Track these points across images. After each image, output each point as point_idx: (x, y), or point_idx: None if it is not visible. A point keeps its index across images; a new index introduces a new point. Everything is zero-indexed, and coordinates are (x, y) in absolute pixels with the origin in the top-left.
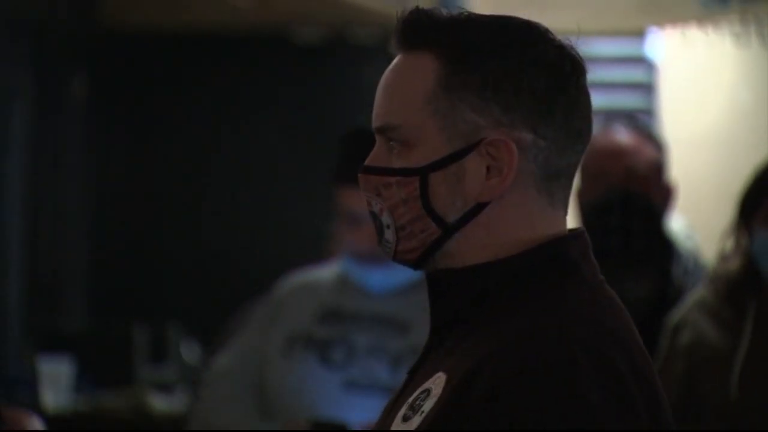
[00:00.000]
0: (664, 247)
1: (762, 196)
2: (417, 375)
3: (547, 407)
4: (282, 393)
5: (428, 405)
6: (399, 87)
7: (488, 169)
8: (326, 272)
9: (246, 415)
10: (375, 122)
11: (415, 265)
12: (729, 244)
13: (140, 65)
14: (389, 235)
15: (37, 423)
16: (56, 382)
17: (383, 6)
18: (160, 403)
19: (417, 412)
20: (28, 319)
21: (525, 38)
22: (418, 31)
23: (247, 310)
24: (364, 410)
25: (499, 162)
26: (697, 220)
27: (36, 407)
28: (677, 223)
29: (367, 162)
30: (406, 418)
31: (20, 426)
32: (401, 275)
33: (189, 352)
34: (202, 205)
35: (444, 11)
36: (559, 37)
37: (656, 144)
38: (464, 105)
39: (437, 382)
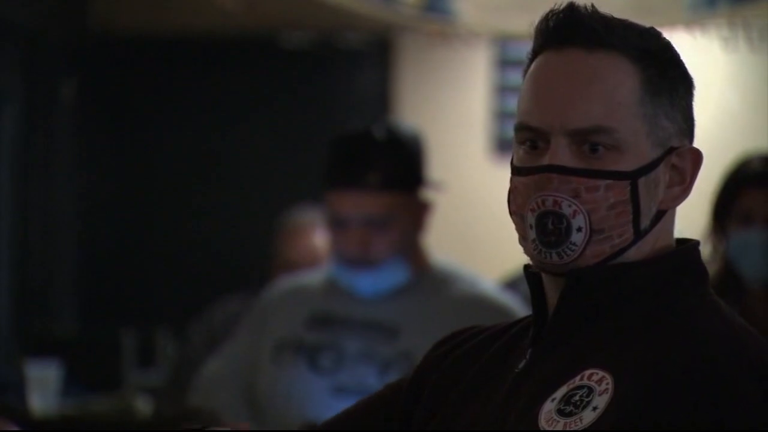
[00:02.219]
0: None
1: (734, 197)
2: (534, 369)
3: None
4: (272, 399)
5: (601, 401)
6: (606, 88)
7: (671, 177)
8: (315, 277)
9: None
10: (579, 123)
11: (580, 271)
12: (706, 249)
13: (129, 70)
14: (578, 238)
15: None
16: (44, 386)
17: (372, 10)
18: (148, 408)
19: (584, 408)
20: (16, 323)
21: (674, 47)
22: (602, 30)
23: (222, 300)
24: None
25: (681, 170)
26: (685, 224)
27: (24, 411)
28: None
29: (560, 162)
30: (565, 413)
31: None
32: (389, 280)
33: (175, 355)
34: (191, 209)
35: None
36: None
37: None
38: (660, 111)
39: (598, 380)
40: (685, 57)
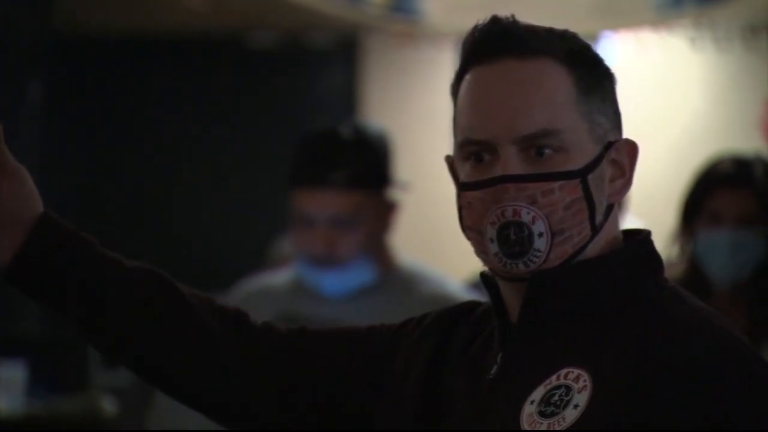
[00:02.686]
0: None
1: (704, 198)
2: (507, 374)
3: (755, 394)
4: None
5: (581, 399)
6: (545, 92)
7: (614, 171)
8: (281, 278)
9: (201, 422)
10: (525, 129)
11: (542, 275)
12: (674, 249)
13: (96, 70)
14: (541, 244)
15: None
16: (10, 386)
17: (338, 11)
18: (113, 408)
19: (565, 407)
20: None
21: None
22: (529, 37)
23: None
24: None
25: (620, 164)
26: (652, 223)
27: None
28: (632, 225)
29: (513, 171)
30: (547, 414)
31: None
32: (356, 279)
33: None
34: (159, 209)
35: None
36: None
37: None
38: (595, 108)
39: (575, 378)
40: (648, 57)
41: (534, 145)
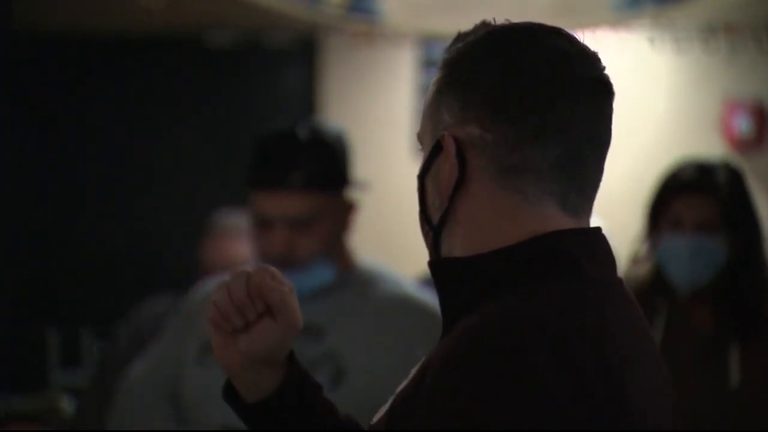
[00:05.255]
0: None
1: (666, 204)
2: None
3: (498, 393)
4: (196, 401)
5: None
6: (426, 100)
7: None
8: None
9: (161, 423)
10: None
11: (431, 264)
12: (640, 249)
13: (52, 69)
14: (424, 236)
15: None
16: None
17: (296, 10)
18: (73, 408)
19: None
20: None
21: (504, 40)
22: (451, 47)
23: (149, 301)
24: None
25: (446, 154)
26: (614, 224)
27: None
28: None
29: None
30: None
31: None
32: (314, 280)
33: (101, 356)
34: (115, 209)
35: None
36: (564, 41)
37: None
38: (444, 107)
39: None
40: (606, 57)
41: None
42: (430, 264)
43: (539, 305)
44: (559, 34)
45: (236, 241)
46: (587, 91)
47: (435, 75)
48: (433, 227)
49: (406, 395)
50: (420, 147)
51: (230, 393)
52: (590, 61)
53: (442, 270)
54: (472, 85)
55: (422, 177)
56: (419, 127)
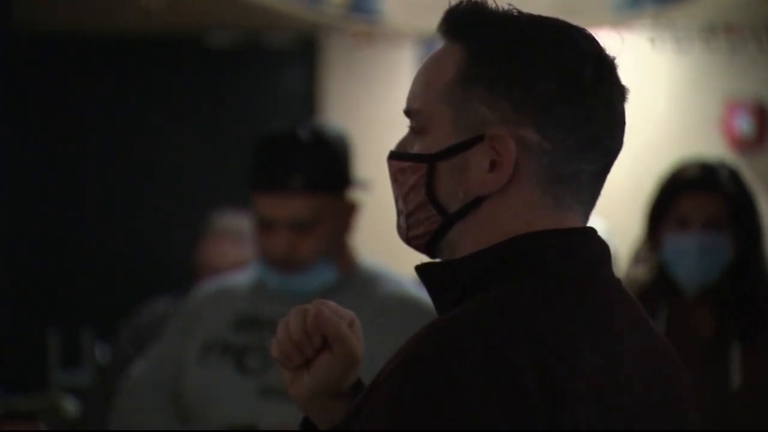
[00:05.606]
0: None
1: (670, 203)
2: None
3: (423, 394)
4: (198, 400)
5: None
6: (425, 73)
7: (492, 163)
8: (242, 279)
9: (163, 423)
10: (404, 105)
11: (426, 251)
12: (642, 250)
13: (52, 69)
14: (402, 221)
15: None
16: None
17: (297, 10)
18: (74, 408)
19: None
20: None
21: (549, 40)
22: (458, 22)
23: (150, 302)
24: (279, 417)
25: (501, 157)
26: (614, 224)
27: None
28: (596, 226)
29: (393, 148)
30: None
31: None
32: (316, 281)
33: (103, 356)
34: (115, 209)
35: (492, 5)
36: (596, 44)
37: None
38: (477, 98)
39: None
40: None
41: (411, 122)
42: (417, 268)
43: (485, 308)
44: (586, 36)
45: (232, 242)
46: (620, 100)
47: (445, 48)
48: (447, 216)
49: (359, 399)
50: (413, 122)
51: (307, 423)
52: (615, 66)
53: (426, 274)
54: (523, 86)
55: (436, 160)
56: (416, 101)
